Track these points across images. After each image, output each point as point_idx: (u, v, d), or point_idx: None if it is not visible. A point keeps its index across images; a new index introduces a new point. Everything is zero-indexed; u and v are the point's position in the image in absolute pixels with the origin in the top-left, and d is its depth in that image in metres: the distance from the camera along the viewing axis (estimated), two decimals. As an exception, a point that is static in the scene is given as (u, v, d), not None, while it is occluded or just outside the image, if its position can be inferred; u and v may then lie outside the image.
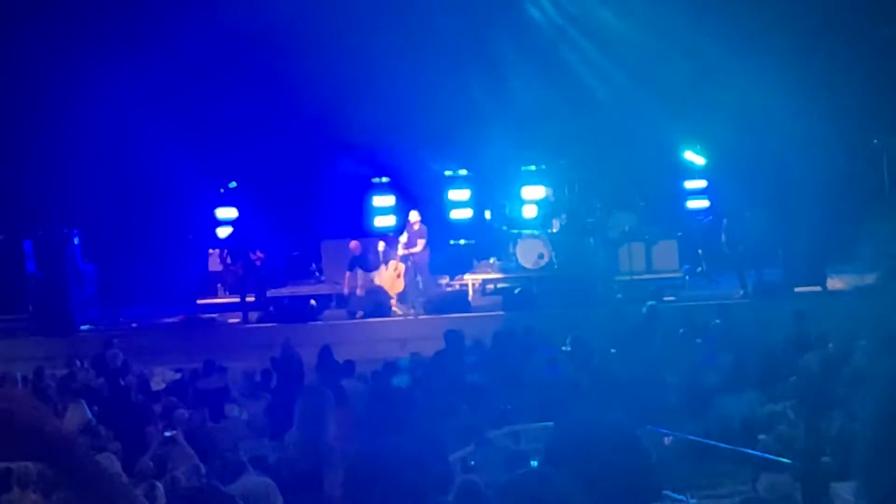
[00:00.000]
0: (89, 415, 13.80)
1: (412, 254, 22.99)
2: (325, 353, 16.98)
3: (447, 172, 26.20)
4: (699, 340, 16.19)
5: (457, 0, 24.71)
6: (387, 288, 22.92)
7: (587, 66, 25.31)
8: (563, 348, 16.91)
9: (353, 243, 23.70)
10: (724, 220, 23.06)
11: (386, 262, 23.14)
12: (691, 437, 10.13)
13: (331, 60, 23.68)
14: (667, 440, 10.02)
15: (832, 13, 23.89)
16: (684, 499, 8.34)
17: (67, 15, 23.89)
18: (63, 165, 24.16)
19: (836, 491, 6.82)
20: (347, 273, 23.32)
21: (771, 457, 9.04)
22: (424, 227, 23.27)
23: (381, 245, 23.43)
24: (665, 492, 8.67)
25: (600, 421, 8.82)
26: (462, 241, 25.51)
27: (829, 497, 6.78)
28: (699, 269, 24.47)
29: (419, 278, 23.21)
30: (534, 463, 7.86)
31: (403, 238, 23.28)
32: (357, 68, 24.14)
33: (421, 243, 23.06)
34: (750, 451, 9.43)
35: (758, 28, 23.87)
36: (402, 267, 22.99)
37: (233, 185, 25.79)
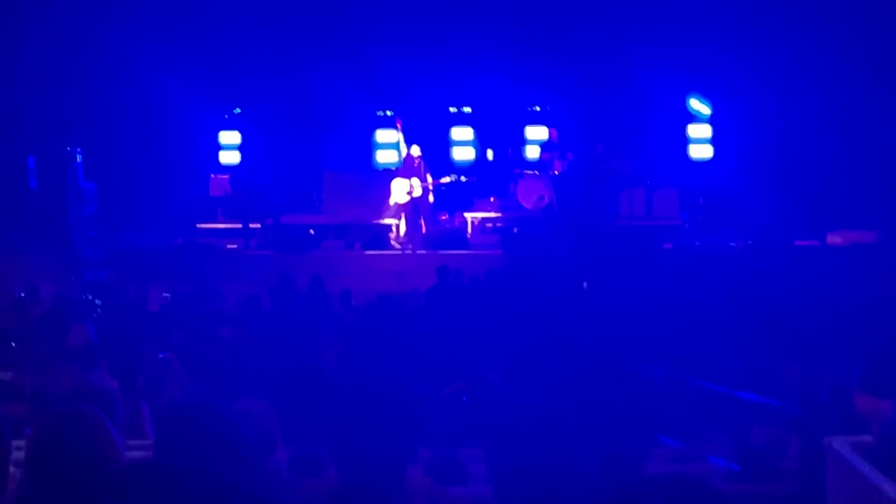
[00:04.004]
0: (92, 335, 13.75)
1: (413, 189, 22.90)
2: (320, 282, 16.98)
3: (451, 109, 26.12)
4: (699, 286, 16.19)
5: None
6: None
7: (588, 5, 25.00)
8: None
9: None
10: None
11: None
12: (686, 378, 10.08)
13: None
14: (660, 381, 10.00)
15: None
16: (679, 445, 8.35)
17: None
18: (68, 83, 24.05)
19: (829, 443, 6.80)
20: None
21: (768, 401, 9.03)
22: (425, 164, 23.25)
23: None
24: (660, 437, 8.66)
25: (598, 360, 8.81)
26: (463, 178, 25.35)
27: (823, 450, 6.76)
28: (699, 218, 24.41)
29: (420, 213, 23.15)
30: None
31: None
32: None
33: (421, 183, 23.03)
34: (746, 396, 9.42)
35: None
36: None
37: (237, 111, 25.70)
